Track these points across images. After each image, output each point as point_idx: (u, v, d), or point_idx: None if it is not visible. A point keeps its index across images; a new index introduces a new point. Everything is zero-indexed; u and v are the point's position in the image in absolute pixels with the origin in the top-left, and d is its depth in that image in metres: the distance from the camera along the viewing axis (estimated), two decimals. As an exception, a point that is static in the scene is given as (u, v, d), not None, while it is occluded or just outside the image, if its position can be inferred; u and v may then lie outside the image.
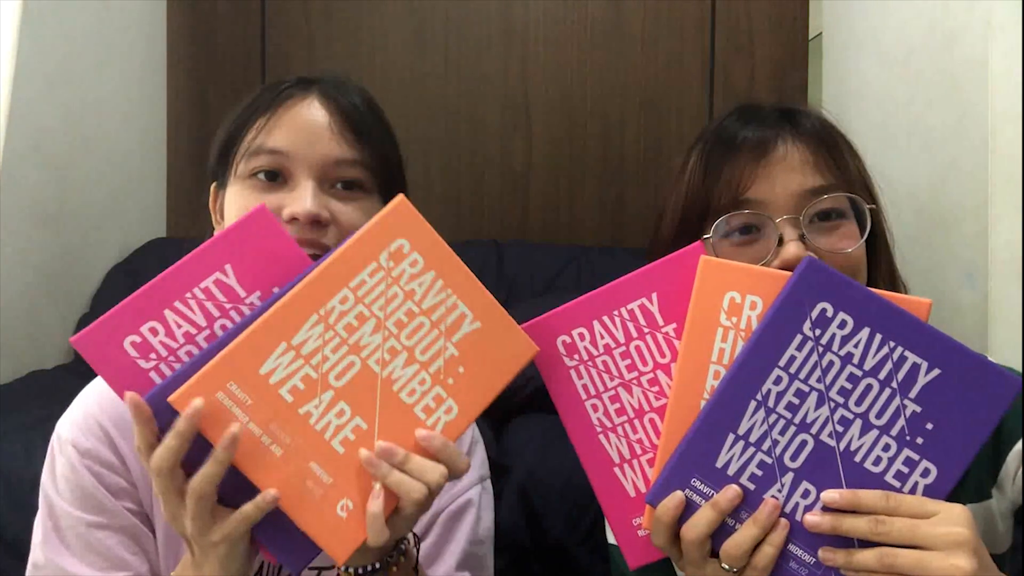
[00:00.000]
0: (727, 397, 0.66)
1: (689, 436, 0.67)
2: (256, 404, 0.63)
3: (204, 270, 0.68)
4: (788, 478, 0.65)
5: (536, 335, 0.72)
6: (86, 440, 0.82)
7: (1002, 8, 1.27)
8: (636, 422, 0.72)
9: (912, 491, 0.65)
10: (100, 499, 0.81)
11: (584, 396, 0.73)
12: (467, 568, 0.89)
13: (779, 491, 0.65)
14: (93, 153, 2.13)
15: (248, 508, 0.63)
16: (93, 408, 0.83)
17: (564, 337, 0.73)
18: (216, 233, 0.87)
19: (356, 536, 0.64)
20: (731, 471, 0.66)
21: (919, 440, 0.65)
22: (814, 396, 0.66)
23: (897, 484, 0.65)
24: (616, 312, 0.73)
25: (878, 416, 0.66)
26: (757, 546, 0.64)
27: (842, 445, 0.66)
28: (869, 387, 0.66)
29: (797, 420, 0.66)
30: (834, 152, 0.83)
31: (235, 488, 0.63)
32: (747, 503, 0.65)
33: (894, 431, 0.65)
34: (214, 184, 0.89)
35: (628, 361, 0.73)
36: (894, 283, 0.88)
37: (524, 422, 1.63)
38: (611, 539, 0.87)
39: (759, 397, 0.66)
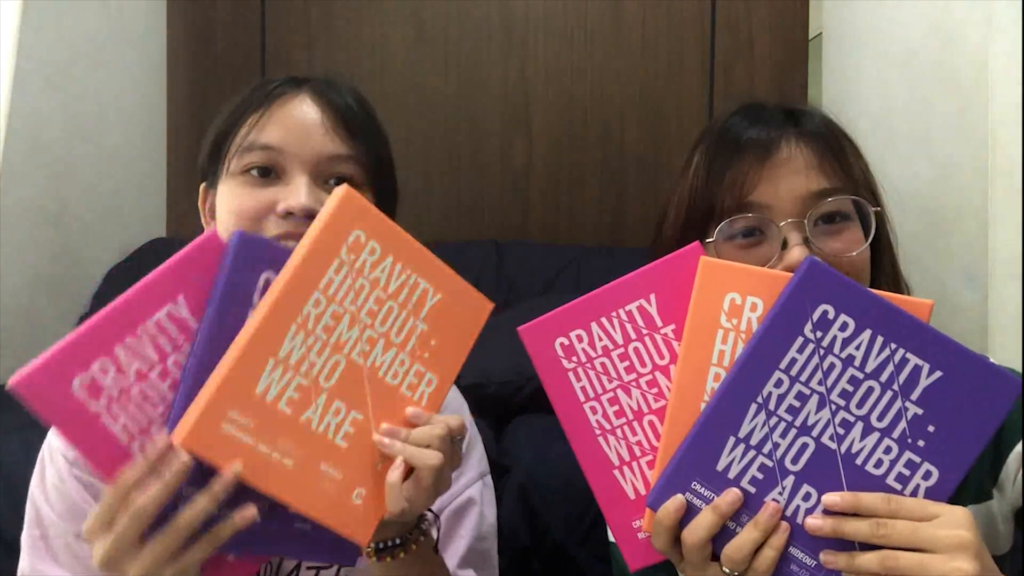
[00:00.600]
0: (727, 400, 0.66)
1: (689, 439, 0.66)
2: (259, 425, 0.63)
3: (156, 302, 0.64)
4: (789, 481, 0.65)
5: (533, 337, 0.73)
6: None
7: (1002, 8, 1.26)
8: (635, 424, 0.72)
9: (914, 493, 0.65)
10: (88, 510, 0.80)
11: (582, 398, 0.73)
12: (471, 565, 0.90)
13: (780, 494, 0.65)
14: (93, 153, 2.13)
15: (223, 530, 0.62)
16: None
17: (562, 339, 0.73)
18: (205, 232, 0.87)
19: (374, 518, 0.68)
20: (732, 474, 0.66)
21: (920, 442, 0.65)
22: (815, 399, 0.66)
23: (898, 487, 0.65)
24: (614, 313, 0.73)
25: (879, 418, 0.65)
26: (758, 549, 0.64)
27: (843, 448, 0.65)
28: (870, 389, 0.65)
29: (798, 423, 0.66)
30: (839, 154, 0.83)
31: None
32: (748, 506, 0.65)
33: (895, 433, 0.65)
34: (204, 183, 0.89)
35: (627, 363, 0.73)
36: (898, 285, 0.87)
37: (524, 422, 1.63)
38: (612, 538, 0.86)
39: (760, 400, 0.66)
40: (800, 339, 0.66)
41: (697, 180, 0.84)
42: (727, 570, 0.65)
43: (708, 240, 0.82)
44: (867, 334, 0.65)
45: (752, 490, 0.65)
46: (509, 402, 1.62)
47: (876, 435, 0.65)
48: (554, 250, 2.24)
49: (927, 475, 0.65)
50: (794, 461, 0.66)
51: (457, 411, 0.94)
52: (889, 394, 0.65)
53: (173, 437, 0.61)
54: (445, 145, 2.38)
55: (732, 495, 0.65)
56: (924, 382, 0.65)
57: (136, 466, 0.61)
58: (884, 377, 0.65)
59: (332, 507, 0.66)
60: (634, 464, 0.72)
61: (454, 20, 2.38)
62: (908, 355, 0.65)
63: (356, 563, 0.73)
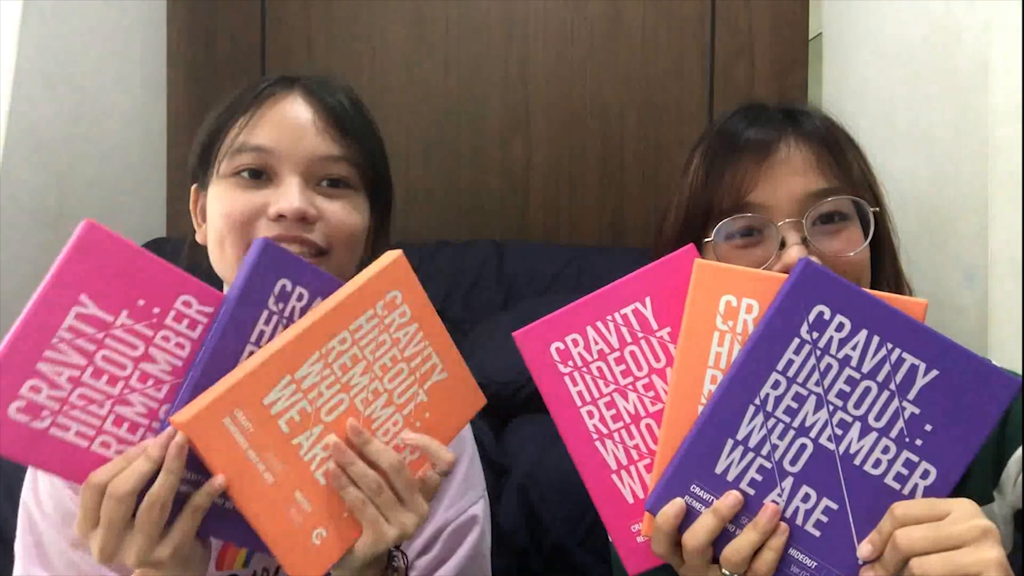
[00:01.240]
0: (725, 402, 0.66)
1: (687, 442, 0.66)
2: (257, 432, 0.64)
3: (59, 310, 0.63)
4: (788, 483, 0.65)
5: (529, 342, 0.73)
6: None
7: (1002, 8, 1.26)
8: (632, 428, 0.72)
9: (912, 492, 0.65)
10: None
11: (579, 403, 0.73)
12: None
13: (779, 496, 0.65)
14: (93, 153, 2.13)
15: (197, 498, 0.63)
16: None
17: (557, 344, 0.73)
18: (197, 235, 0.87)
19: (325, 563, 0.68)
20: (731, 477, 0.66)
21: (918, 442, 0.65)
22: (812, 400, 0.66)
23: (897, 486, 0.65)
24: (610, 317, 0.73)
25: (877, 418, 0.65)
26: (758, 551, 0.64)
27: (841, 448, 0.65)
28: (868, 389, 0.65)
29: (796, 424, 0.66)
30: (837, 154, 0.83)
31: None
32: (747, 508, 0.65)
33: (893, 433, 0.65)
34: (195, 186, 0.88)
35: (623, 366, 0.72)
36: (899, 285, 0.87)
37: (524, 422, 1.63)
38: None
39: (757, 402, 0.66)
40: (796, 340, 0.66)
41: (696, 180, 0.84)
42: (727, 572, 0.65)
43: (707, 240, 0.82)
44: (863, 334, 0.65)
45: (751, 492, 0.65)
46: (509, 402, 1.62)
47: (874, 435, 0.65)
48: (554, 250, 2.24)
49: (925, 474, 0.65)
50: (792, 462, 0.66)
51: (461, 437, 0.94)
52: (886, 394, 0.65)
53: (173, 417, 0.62)
54: (445, 145, 2.38)
55: (732, 498, 0.65)
56: (921, 381, 0.65)
57: (110, 468, 0.63)
58: (881, 377, 0.65)
59: (290, 538, 0.66)
60: (632, 468, 0.72)
61: (454, 20, 2.38)
62: (904, 355, 0.65)
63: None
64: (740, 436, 0.66)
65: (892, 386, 0.65)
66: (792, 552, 0.65)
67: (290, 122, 0.82)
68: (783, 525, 0.65)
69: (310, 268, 0.71)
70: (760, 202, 0.80)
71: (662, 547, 0.67)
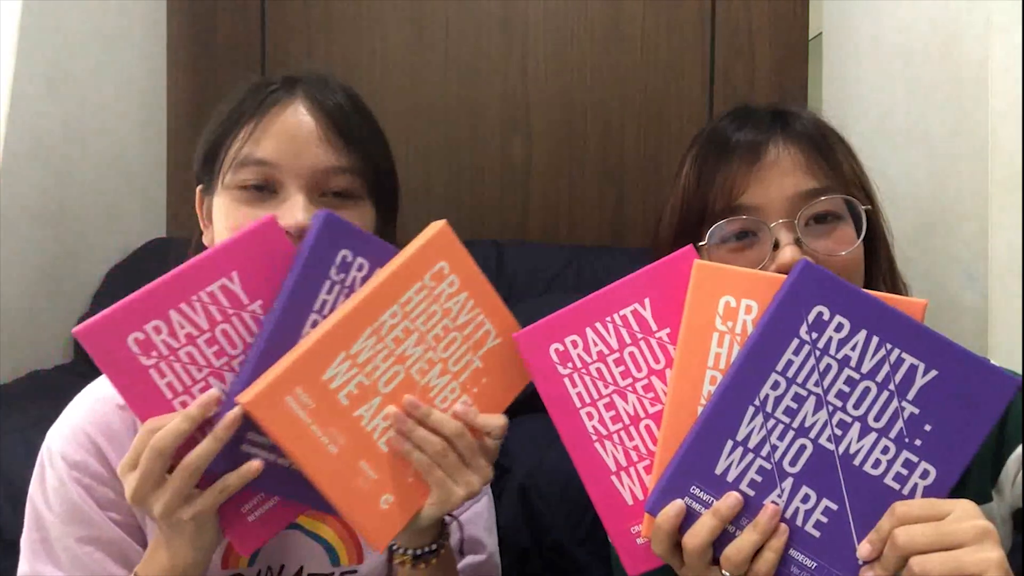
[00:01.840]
0: (725, 403, 0.66)
1: (687, 443, 0.66)
2: (318, 407, 0.68)
3: (211, 275, 0.70)
4: (788, 483, 0.65)
5: (528, 344, 0.73)
6: (75, 453, 0.81)
7: (1002, 8, 1.26)
8: (632, 429, 0.72)
9: (912, 493, 0.65)
10: (89, 513, 0.80)
11: (579, 404, 0.73)
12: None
13: (779, 496, 0.65)
14: (93, 153, 2.13)
15: (231, 478, 0.68)
16: (82, 420, 0.83)
17: (556, 345, 0.73)
18: (204, 236, 0.88)
19: (395, 528, 0.72)
20: (730, 478, 0.66)
21: (918, 442, 0.65)
22: (812, 400, 0.66)
23: (896, 486, 0.65)
24: (609, 318, 0.73)
25: (876, 419, 0.66)
26: (758, 552, 0.64)
27: (841, 449, 0.66)
28: (867, 390, 0.66)
29: (795, 425, 0.66)
30: (827, 153, 0.83)
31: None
32: (747, 509, 0.65)
33: (893, 433, 0.65)
34: (200, 187, 0.88)
35: (622, 368, 0.72)
36: (895, 283, 0.88)
37: (524, 422, 1.62)
38: (612, 539, 0.87)
39: (757, 402, 0.66)
40: (796, 341, 0.66)
41: (689, 184, 0.85)
42: (727, 573, 0.65)
43: (701, 244, 0.82)
44: (862, 334, 0.65)
45: (751, 493, 0.66)
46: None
47: (873, 435, 0.65)
48: (554, 250, 2.24)
49: (925, 474, 0.65)
50: (792, 463, 0.66)
51: None
52: (886, 394, 0.65)
53: (239, 397, 0.66)
54: (445, 145, 2.38)
55: (732, 499, 0.65)
56: (920, 381, 0.65)
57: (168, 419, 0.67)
58: (880, 377, 0.65)
59: (359, 504, 0.70)
60: (631, 469, 0.72)
61: (454, 20, 2.38)
62: (904, 355, 0.65)
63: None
64: (740, 437, 0.66)
65: (891, 386, 0.65)
66: (792, 553, 0.65)
67: (293, 134, 0.82)
68: (783, 526, 0.65)
69: (370, 238, 0.74)
70: (752, 204, 0.80)
71: (662, 548, 0.67)
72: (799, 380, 0.66)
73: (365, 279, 0.73)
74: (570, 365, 0.73)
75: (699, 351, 0.69)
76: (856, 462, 0.65)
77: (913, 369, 0.65)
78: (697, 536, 0.65)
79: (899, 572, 0.62)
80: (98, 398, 0.84)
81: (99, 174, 2.16)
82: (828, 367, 0.66)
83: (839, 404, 0.66)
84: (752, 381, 0.66)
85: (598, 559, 1.38)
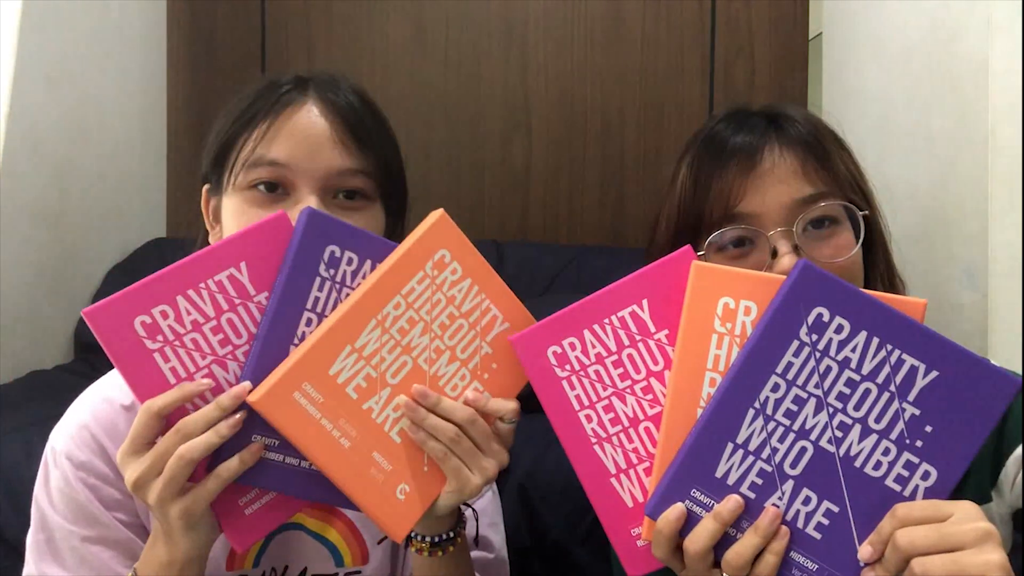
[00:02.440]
0: (725, 405, 0.66)
1: (687, 446, 0.66)
2: (327, 402, 0.69)
3: (220, 264, 0.71)
4: (788, 486, 0.65)
5: (526, 347, 0.73)
6: (80, 452, 0.81)
7: (1002, 8, 1.26)
8: (631, 431, 0.72)
9: (913, 494, 0.65)
10: (94, 512, 0.80)
11: (577, 407, 0.73)
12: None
13: (780, 499, 0.65)
14: (93, 153, 2.13)
15: (232, 462, 0.68)
16: (86, 419, 0.83)
17: (554, 348, 0.73)
18: (210, 236, 0.88)
19: (413, 517, 0.73)
20: (731, 480, 0.66)
21: (918, 443, 0.65)
22: (812, 402, 0.66)
23: (897, 488, 0.65)
24: (607, 320, 0.73)
25: (877, 420, 0.65)
26: (759, 555, 0.64)
27: (842, 451, 0.65)
28: (867, 391, 0.65)
29: (796, 427, 0.66)
30: (823, 157, 0.83)
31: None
32: (748, 512, 0.65)
33: (893, 435, 0.65)
34: (206, 187, 0.88)
35: (621, 370, 0.72)
36: (892, 284, 0.87)
37: (524, 422, 1.62)
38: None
39: (757, 405, 0.66)
40: (796, 342, 0.66)
41: (685, 191, 0.84)
42: (728, 576, 0.65)
43: (700, 254, 0.82)
44: (862, 336, 0.65)
45: (752, 496, 0.65)
46: (509, 402, 1.62)
47: (874, 437, 0.65)
48: (554, 250, 2.24)
49: (926, 475, 0.65)
50: (793, 465, 0.66)
51: None
52: (886, 395, 0.65)
53: (249, 397, 0.67)
54: (445, 145, 2.38)
55: (733, 502, 0.65)
56: (920, 382, 0.65)
57: (167, 396, 0.68)
58: (881, 378, 0.65)
59: (376, 495, 0.71)
60: (631, 472, 0.72)
61: (454, 20, 2.37)
62: (904, 356, 0.65)
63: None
64: (740, 439, 0.66)
65: (892, 387, 0.65)
66: (793, 555, 0.65)
67: (306, 135, 0.82)
68: (784, 528, 0.65)
69: (358, 232, 0.74)
70: (749, 212, 0.80)
71: (663, 552, 0.67)
72: (799, 382, 0.66)
73: (355, 272, 0.73)
74: (568, 367, 0.73)
75: (698, 353, 0.69)
76: (857, 464, 0.65)
77: (914, 370, 0.65)
78: (698, 540, 0.65)
79: (900, 574, 0.62)
80: (103, 398, 0.84)
81: (99, 174, 2.15)
82: (828, 369, 0.66)
83: (839, 406, 0.66)
84: (752, 383, 0.66)
85: (598, 559, 1.38)
